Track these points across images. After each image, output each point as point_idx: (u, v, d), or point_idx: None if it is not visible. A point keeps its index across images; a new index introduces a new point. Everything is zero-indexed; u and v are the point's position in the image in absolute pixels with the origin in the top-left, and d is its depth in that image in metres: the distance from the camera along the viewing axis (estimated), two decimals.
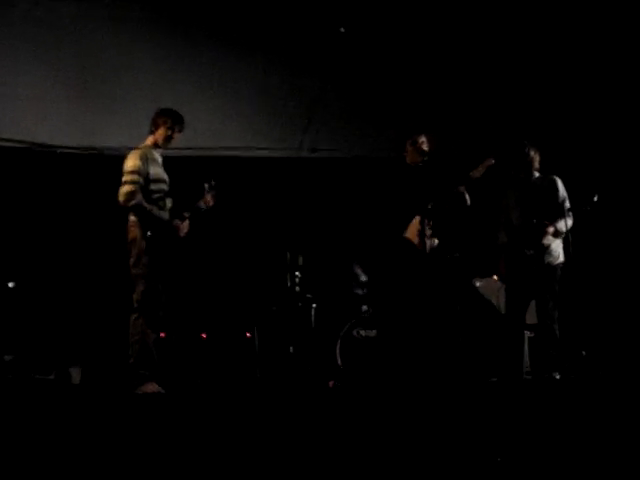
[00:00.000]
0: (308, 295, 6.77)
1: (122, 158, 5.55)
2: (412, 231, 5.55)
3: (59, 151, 7.22)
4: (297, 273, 6.70)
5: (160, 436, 3.37)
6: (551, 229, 5.55)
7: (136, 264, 5.11)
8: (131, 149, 5.40)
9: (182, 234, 5.28)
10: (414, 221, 5.56)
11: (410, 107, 7.22)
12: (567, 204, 5.65)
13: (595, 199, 5.50)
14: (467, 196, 5.55)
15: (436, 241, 5.49)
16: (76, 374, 6.28)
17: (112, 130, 7.24)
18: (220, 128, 7.38)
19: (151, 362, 5.06)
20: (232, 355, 6.59)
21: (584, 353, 5.68)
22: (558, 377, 5.47)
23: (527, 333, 6.09)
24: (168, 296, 5.21)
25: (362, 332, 6.28)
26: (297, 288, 6.71)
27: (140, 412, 4.04)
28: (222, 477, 3.07)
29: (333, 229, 7.58)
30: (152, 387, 4.97)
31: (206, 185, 5.40)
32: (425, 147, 5.68)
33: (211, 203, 5.41)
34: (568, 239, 5.63)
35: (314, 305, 6.75)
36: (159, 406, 4.44)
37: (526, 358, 6.14)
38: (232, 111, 7.35)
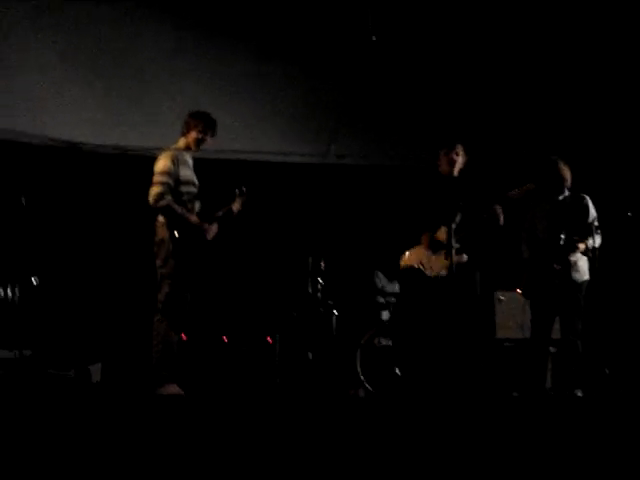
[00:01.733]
0: (329, 302, 6.75)
1: (146, 158, 5.58)
2: (415, 253, 5.58)
3: (85, 149, 7.26)
4: (319, 279, 6.68)
5: (177, 438, 3.36)
6: (582, 246, 5.52)
7: (163, 265, 5.12)
8: (157, 149, 5.43)
9: (210, 237, 5.29)
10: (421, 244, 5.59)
11: (440, 117, 7.19)
12: (596, 223, 5.61)
13: (630, 214, 5.46)
14: (502, 217, 5.52)
15: (465, 257, 5.46)
16: (96, 372, 6.29)
17: (137, 130, 7.29)
18: (247, 133, 7.40)
19: (172, 364, 5.06)
20: (252, 359, 6.58)
21: (607, 371, 5.62)
22: (580, 394, 5.42)
23: (551, 349, 6.03)
24: (192, 298, 5.21)
25: (383, 341, 6.24)
26: (319, 294, 6.68)
27: (159, 413, 4.04)
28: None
29: (357, 236, 7.57)
30: (173, 389, 4.97)
31: (237, 191, 5.41)
32: (459, 158, 5.66)
33: (239, 209, 5.42)
34: (595, 256, 5.58)
35: (335, 312, 6.73)
36: (178, 408, 4.44)
37: (548, 374, 6.09)
38: (261, 117, 7.36)
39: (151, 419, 3.75)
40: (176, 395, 4.93)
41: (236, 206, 5.40)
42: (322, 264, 6.67)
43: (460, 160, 5.68)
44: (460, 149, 5.71)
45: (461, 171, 5.71)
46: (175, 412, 4.07)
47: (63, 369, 6.20)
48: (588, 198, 5.73)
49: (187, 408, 4.39)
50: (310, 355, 6.47)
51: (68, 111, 7.09)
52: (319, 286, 6.62)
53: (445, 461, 3.23)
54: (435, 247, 5.55)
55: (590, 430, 3.70)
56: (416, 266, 5.61)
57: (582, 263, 5.61)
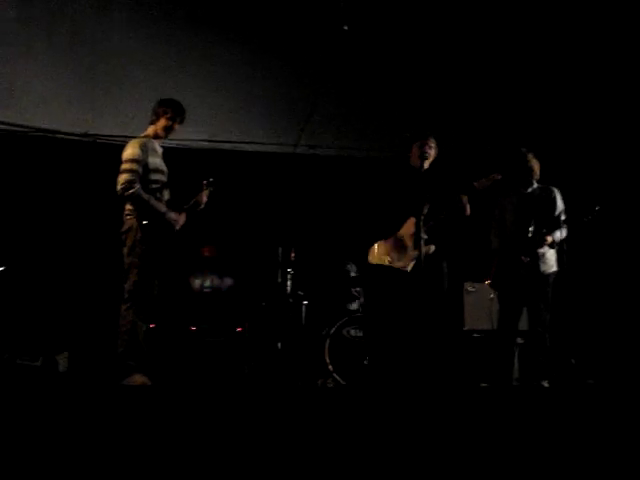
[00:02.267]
0: (299, 292, 6.75)
1: (117, 147, 5.50)
2: (383, 246, 5.59)
3: (57, 137, 7.18)
4: (289, 269, 6.67)
5: (145, 428, 3.34)
6: (550, 239, 5.57)
7: (130, 253, 5.06)
8: (126, 138, 5.38)
9: (178, 227, 5.25)
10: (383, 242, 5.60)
11: (410, 108, 7.21)
12: (563, 216, 5.67)
13: (597, 209, 5.51)
14: (468, 206, 5.54)
15: (432, 247, 5.47)
16: (63, 361, 6.24)
17: (109, 119, 7.23)
18: (218, 121, 7.36)
19: (140, 353, 5.02)
20: (221, 349, 6.57)
21: (574, 361, 5.69)
22: (547, 385, 5.48)
23: (518, 340, 6.09)
24: (160, 288, 5.17)
25: (352, 332, 6.26)
26: (288, 284, 6.68)
27: (126, 404, 4.01)
28: (205, 471, 3.04)
29: (327, 226, 7.57)
30: (140, 379, 4.93)
31: (204, 181, 5.37)
32: (431, 150, 5.67)
33: (206, 200, 5.38)
34: (563, 248, 5.64)
35: (305, 302, 6.73)
36: (145, 398, 4.42)
37: (516, 365, 6.15)
38: (231, 105, 7.33)
39: (118, 409, 3.73)
40: (143, 385, 4.90)
41: (203, 197, 5.36)
42: (292, 254, 6.66)
43: (432, 152, 5.69)
44: (432, 142, 5.72)
45: (431, 163, 5.72)
46: (142, 402, 4.05)
47: (30, 359, 6.14)
48: (557, 190, 5.78)
49: (154, 398, 4.37)
50: (279, 345, 6.47)
51: (39, 99, 7.03)
52: (289, 276, 6.61)
53: (413, 452, 3.24)
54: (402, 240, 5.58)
55: (555, 420, 3.73)
56: (385, 259, 5.62)
57: (550, 255, 5.66)
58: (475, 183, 5.51)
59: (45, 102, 7.02)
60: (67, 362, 6.26)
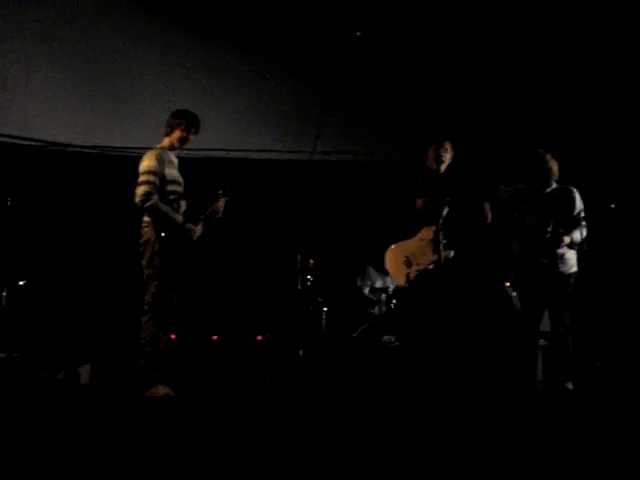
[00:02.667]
0: (319, 299, 6.74)
1: (128, 158, 5.52)
2: (401, 247, 5.59)
3: (71, 150, 7.22)
4: (308, 276, 6.66)
5: (168, 439, 3.34)
6: (567, 239, 5.54)
7: (149, 265, 5.07)
8: (141, 149, 5.40)
9: (195, 237, 5.26)
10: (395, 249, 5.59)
11: (428, 113, 7.19)
12: (582, 215, 5.63)
13: (612, 206, 5.47)
14: (490, 214, 5.52)
15: (452, 253, 5.46)
16: (85, 374, 6.26)
17: (120, 131, 7.26)
18: (233, 131, 7.38)
19: (161, 364, 5.03)
20: (242, 358, 6.57)
21: (598, 364, 5.64)
22: (571, 387, 5.44)
23: (541, 341, 6.05)
24: (180, 298, 5.18)
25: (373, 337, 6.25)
26: (308, 291, 6.67)
27: (149, 415, 4.02)
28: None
29: (345, 233, 7.57)
30: (162, 390, 4.93)
31: (220, 191, 5.38)
32: (447, 154, 5.66)
33: (221, 209, 5.38)
34: (583, 249, 5.61)
35: (325, 309, 6.72)
36: (168, 409, 4.42)
37: (539, 367, 6.10)
38: (245, 114, 7.34)
39: (141, 420, 3.74)
40: (166, 396, 4.90)
41: (219, 206, 5.36)
42: (311, 261, 6.65)
43: (448, 156, 5.68)
44: (448, 145, 5.71)
45: (449, 167, 5.71)
46: (165, 413, 4.06)
47: (52, 371, 6.17)
48: (575, 190, 5.75)
49: (178, 409, 4.38)
50: (301, 352, 6.46)
51: (52, 112, 7.06)
52: (308, 283, 6.60)
53: (442, 455, 3.23)
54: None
55: (580, 422, 3.71)
56: (402, 260, 5.62)
57: (570, 255, 5.63)
58: (498, 191, 5.50)
59: (57, 115, 7.06)
60: (89, 374, 6.28)
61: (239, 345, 6.65)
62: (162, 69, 7.06)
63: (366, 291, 6.99)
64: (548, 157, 5.77)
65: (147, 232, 5.08)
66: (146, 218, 5.10)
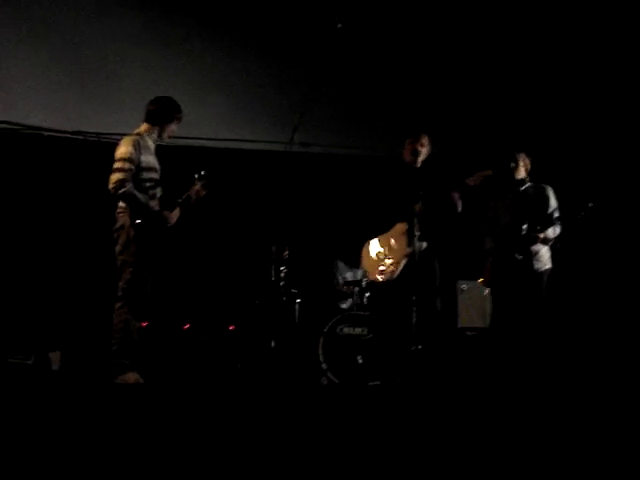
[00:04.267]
0: (293, 290, 6.73)
1: (107, 144, 5.45)
2: (376, 242, 5.63)
3: (46, 134, 7.15)
4: (282, 267, 6.65)
5: (137, 427, 3.33)
6: (541, 236, 5.59)
7: (123, 251, 5.05)
8: (119, 135, 5.37)
9: (171, 223, 5.23)
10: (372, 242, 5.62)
11: (405, 107, 7.21)
12: (557, 213, 5.68)
13: (590, 205, 5.52)
14: (460, 203, 5.56)
15: (424, 244, 5.49)
16: (56, 360, 6.21)
17: (100, 116, 7.21)
18: (211, 119, 7.35)
19: (133, 351, 5.01)
20: (214, 347, 6.55)
21: (568, 358, 5.71)
22: (542, 382, 5.49)
23: (512, 337, 6.10)
24: (154, 285, 5.16)
25: (345, 329, 6.24)
26: (282, 282, 6.65)
27: (119, 402, 4.00)
28: (198, 469, 3.04)
29: (321, 225, 7.57)
30: (132, 377, 4.93)
31: (196, 175, 5.35)
32: (423, 148, 5.69)
33: (202, 193, 5.36)
34: (556, 246, 5.66)
35: (298, 300, 6.72)
36: (138, 396, 4.41)
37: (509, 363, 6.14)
38: (224, 103, 7.32)
39: (111, 407, 3.72)
40: (136, 383, 4.89)
41: (196, 190, 5.34)
42: (286, 252, 6.64)
43: (424, 150, 5.72)
44: (425, 139, 5.74)
45: (424, 161, 5.74)
46: (135, 401, 4.05)
47: (22, 357, 6.12)
48: (550, 188, 5.80)
49: (147, 397, 4.37)
50: (273, 343, 6.45)
51: (29, 96, 7.00)
52: (282, 274, 6.59)
53: (408, 449, 3.24)
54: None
55: (548, 414, 3.75)
56: (375, 255, 5.65)
57: (544, 252, 5.69)
58: (466, 180, 5.54)
59: (34, 100, 7.00)
60: (60, 360, 6.23)
61: (212, 335, 6.64)
62: (143, 57, 7.03)
63: (337, 284, 6.99)
64: (522, 155, 5.81)
65: (122, 218, 5.06)
66: (121, 204, 5.07)
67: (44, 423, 3.31)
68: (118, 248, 5.08)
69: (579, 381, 5.86)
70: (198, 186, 5.33)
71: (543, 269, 5.68)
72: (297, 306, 6.69)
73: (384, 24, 7.02)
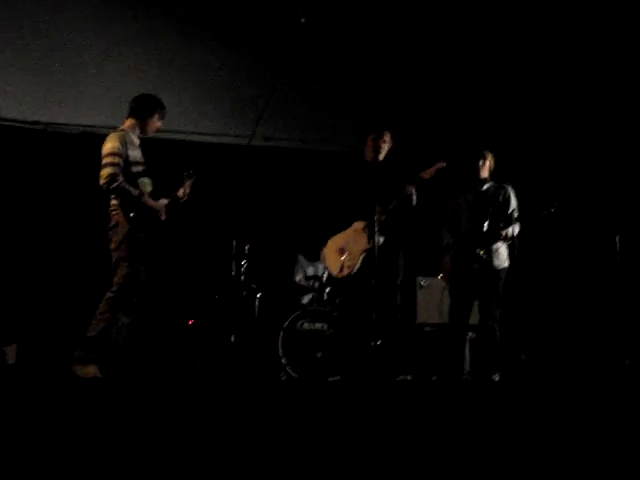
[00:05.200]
0: (253, 285, 6.72)
1: (68, 135, 5.36)
2: (336, 239, 5.66)
3: (8, 124, 7.07)
4: (243, 262, 6.64)
5: (95, 422, 3.30)
6: (504, 233, 5.65)
7: (118, 248, 5.08)
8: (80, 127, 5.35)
9: (163, 216, 5.28)
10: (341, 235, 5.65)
11: (367, 101, 7.23)
12: (516, 213, 5.76)
13: (555, 204, 5.59)
14: (415, 196, 5.60)
15: (382, 239, 5.52)
16: (11, 354, 6.14)
17: (62, 106, 7.14)
18: (172, 112, 7.27)
19: (103, 346, 4.99)
20: (174, 342, 6.53)
21: (524, 357, 5.77)
22: (497, 379, 5.55)
23: (469, 334, 6.15)
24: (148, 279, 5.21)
25: (305, 325, 6.26)
26: (242, 277, 6.64)
27: (77, 396, 3.96)
28: (149, 463, 3.03)
29: (281, 219, 7.56)
30: (92, 370, 4.91)
31: (185, 173, 5.39)
32: (385, 145, 5.72)
33: (187, 192, 5.42)
34: (514, 244, 5.72)
35: (258, 295, 6.71)
36: (97, 391, 4.37)
37: (467, 359, 6.21)
38: (185, 95, 7.28)
39: (67, 402, 3.68)
40: (94, 377, 4.86)
41: (184, 190, 5.37)
42: (246, 247, 6.63)
43: (386, 147, 5.74)
44: (387, 136, 5.76)
45: (386, 157, 5.76)
46: (94, 395, 4.00)
47: None
48: (510, 188, 5.86)
49: (106, 391, 4.32)
50: (233, 338, 6.44)
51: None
52: (242, 269, 6.58)
53: (365, 445, 3.26)
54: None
55: (505, 413, 3.79)
56: (336, 250, 5.68)
57: (502, 250, 5.75)
58: (421, 173, 5.58)
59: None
60: (15, 355, 6.16)
61: (171, 329, 6.61)
62: (108, 49, 6.98)
63: (298, 279, 6.99)
64: (486, 153, 5.86)
65: (115, 216, 5.10)
66: (114, 202, 5.11)
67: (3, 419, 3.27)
68: (113, 245, 5.11)
69: (531, 376, 5.96)
70: (187, 185, 5.36)
71: (501, 267, 5.74)
72: (257, 301, 6.69)
73: (348, 18, 7.02)
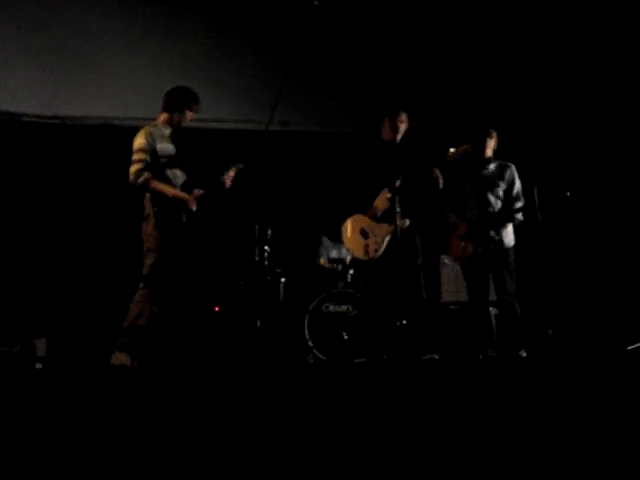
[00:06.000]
0: (277, 269, 6.74)
1: (86, 128, 5.37)
2: (357, 221, 5.66)
3: (27, 120, 7.12)
4: (266, 247, 6.65)
5: (125, 412, 3.34)
6: (519, 215, 5.71)
7: (147, 239, 5.25)
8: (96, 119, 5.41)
9: (193, 207, 5.39)
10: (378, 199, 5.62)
11: (385, 84, 7.20)
12: (520, 190, 5.85)
13: (568, 194, 5.61)
14: (441, 179, 5.58)
15: (407, 221, 5.52)
16: (41, 346, 6.21)
17: (78, 100, 7.17)
18: None
19: (139, 334, 5.15)
20: (200, 329, 6.56)
21: (550, 332, 5.75)
22: (524, 355, 5.54)
23: (492, 310, 6.16)
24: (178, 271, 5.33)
25: (331, 307, 6.27)
26: (266, 262, 6.66)
27: (107, 388, 4.00)
28: (185, 454, 3.05)
29: (303, 203, 7.56)
30: (123, 358, 5.06)
31: (237, 165, 5.46)
32: (402, 125, 5.70)
33: (228, 184, 5.56)
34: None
35: (283, 279, 6.73)
36: (124, 381, 4.41)
37: (494, 335, 6.20)
38: (202, 83, 7.24)
39: (95, 393, 3.72)
40: (122, 366, 4.95)
41: (230, 177, 5.55)
42: (269, 232, 6.64)
43: (403, 127, 5.72)
44: (404, 116, 5.74)
45: (403, 137, 5.74)
46: (121, 386, 4.04)
47: (8, 344, 6.11)
48: (514, 167, 5.91)
49: (133, 381, 4.36)
50: (258, 323, 6.46)
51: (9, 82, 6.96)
52: (266, 254, 6.60)
53: (399, 426, 3.27)
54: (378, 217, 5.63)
55: (534, 389, 3.78)
56: (358, 232, 5.67)
57: (510, 229, 5.84)
58: (447, 155, 5.55)
59: (10, 85, 6.95)
60: (45, 348, 6.23)
61: (197, 316, 6.64)
62: (123, 40, 6.99)
63: (322, 261, 7.00)
64: (493, 132, 5.89)
65: (147, 207, 5.27)
66: (147, 194, 5.27)
67: (30, 409, 3.31)
68: (144, 236, 5.28)
69: (560, 352, 5.93)
70: (232, 173, 5.51)
71: (510, 245, 5.82)
72: (282, 285, 6.71)
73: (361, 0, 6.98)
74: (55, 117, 7.26)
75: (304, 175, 7.60)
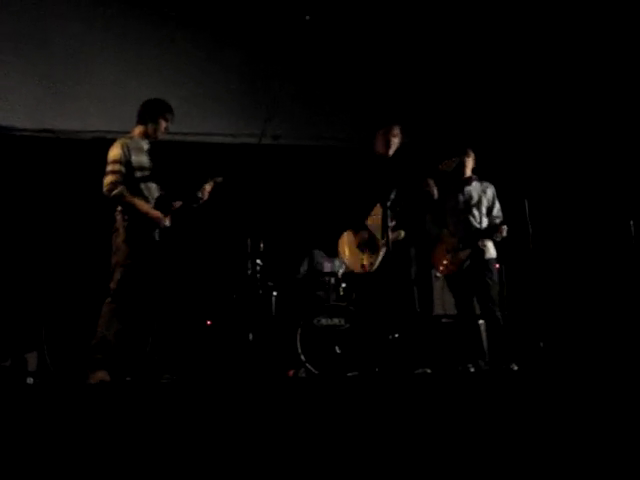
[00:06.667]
0: (269, 283, 6.73)
1: (80, 142, 5.39)
2: (350, 239, 5.67)
3: (20, 134, 7.12)
4: (258, 260, 6.65)
5: (115, 425, 3.33)
6: (504, 228, 5.78)
7: (115, 252, 5.17)
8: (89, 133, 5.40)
9: (163, 224, 5.32)
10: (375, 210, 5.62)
11: (378, 98, 7.24)
12: (498, 207, 6.06)
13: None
14: (435, 189, 5.60)
15: (402, 233, 5.54)
16: (32, 360, 6.18)
17: (70, 114, 7.18)
18: (181, 113, 7.31)
19: (109, 349, 5.06)
20: (192, 343, 6.55)
21: (542, 344, 5.77)
22: (515, 368, 5.55)
23: (482, 323, 6.18)
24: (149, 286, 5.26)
25: (323, 321, 6.27)
26: (258, 276, 6.66)
27: (90, 402, 3.99)
28: (177, 468, 3.05)
29: (295, 217, 7.57)
30: (100, 375, 4.98)
31: (214, 179, 5.43)
32: (395, 138, 5.72)
33: (205, 197, 5.48)
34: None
35: (275, 293, 6.72)
36: (109, 396, 4.39)
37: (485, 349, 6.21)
38: (194, 96, 7.29)
39: (83, 408, 3.70)
40: (102, 381, 4.91)
41: (206, 191, 5.49)
42: (261, 245, 6.65)
43: (397, 140, 5.74)
44: (397, 130, 5.76)
45: (396, 151, 5.76)
46: (106, 400, 4.03)
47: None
48: (492, 186, 6.00)
49: (120, 395, 4.35)
50: (250, 336, 6.45)
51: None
52: (258, 267, 6.59)
53: (391, 440, 3.27)
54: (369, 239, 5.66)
55: (526, 401, 3.78)
56: (355, 246, 5.67)
57: (490, 244, 5.87)
58: (440, 166, 5.59)
59: (5, 98, 6.96)
60: (36, 362, 6.20)
61: (189, 330, 6.63)
62: (115, 53, 7.02)
63: (302, 270, 7.01)
64: (470, 152, 5.98)
65: (117, 220, 5.19)
66: (119, 207, 5.19)
67: (19, 422, 3.30)
68: (113, 249, 5.20)
69: (550, 367, 5.94)
70: (208, 187, 5.45)
71: (492, 257, 5.97)
72: (274, 299, 6.70)
73: (352, 15, 7.02)
74: (48, 130, 7.25)
75: (296, 189, 7.60)
